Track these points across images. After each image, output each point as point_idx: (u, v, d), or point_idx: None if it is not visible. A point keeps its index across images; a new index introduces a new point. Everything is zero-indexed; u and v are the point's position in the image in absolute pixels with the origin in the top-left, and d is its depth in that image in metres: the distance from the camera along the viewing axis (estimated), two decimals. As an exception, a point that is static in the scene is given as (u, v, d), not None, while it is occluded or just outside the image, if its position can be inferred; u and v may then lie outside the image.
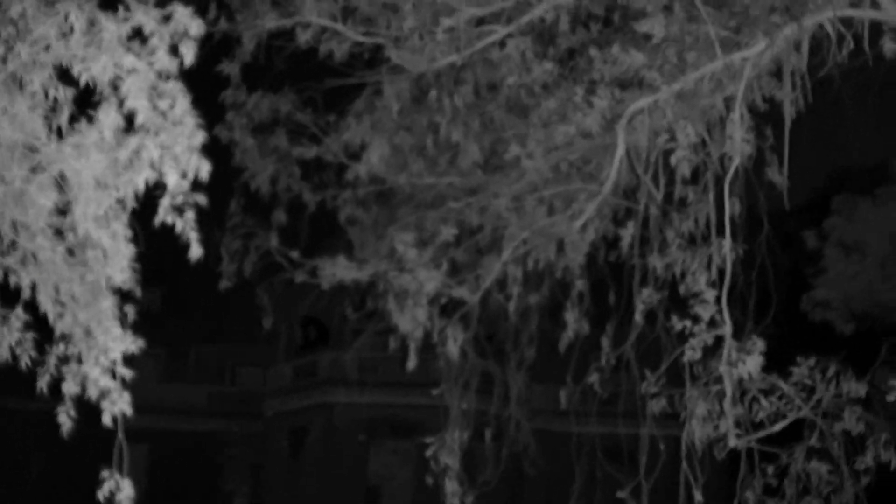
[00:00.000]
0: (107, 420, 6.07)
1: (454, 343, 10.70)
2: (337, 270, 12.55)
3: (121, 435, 6.10)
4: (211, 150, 13.35)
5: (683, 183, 10.64)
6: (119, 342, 5.97)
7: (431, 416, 37.71)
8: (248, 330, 44.60)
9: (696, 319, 10.33)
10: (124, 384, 6.10)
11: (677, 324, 10.29)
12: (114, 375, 6.04)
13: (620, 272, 10.95)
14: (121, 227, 5.89)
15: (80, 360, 6.46)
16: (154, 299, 46.34)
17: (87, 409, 6.56)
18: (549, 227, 10.75)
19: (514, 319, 10.97)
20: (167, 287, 46.80)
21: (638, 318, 10.51)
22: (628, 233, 10.89)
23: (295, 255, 12.92)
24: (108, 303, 6.00)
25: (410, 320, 10.90)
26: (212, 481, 43.83)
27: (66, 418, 6.38)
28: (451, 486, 10.98)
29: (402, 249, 11.07)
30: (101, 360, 5.98)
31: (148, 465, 43.37)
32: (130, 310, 6.06)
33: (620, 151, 10.44)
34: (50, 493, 42.90)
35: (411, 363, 10.99)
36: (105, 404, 6.08)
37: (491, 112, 11.22)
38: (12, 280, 6.36)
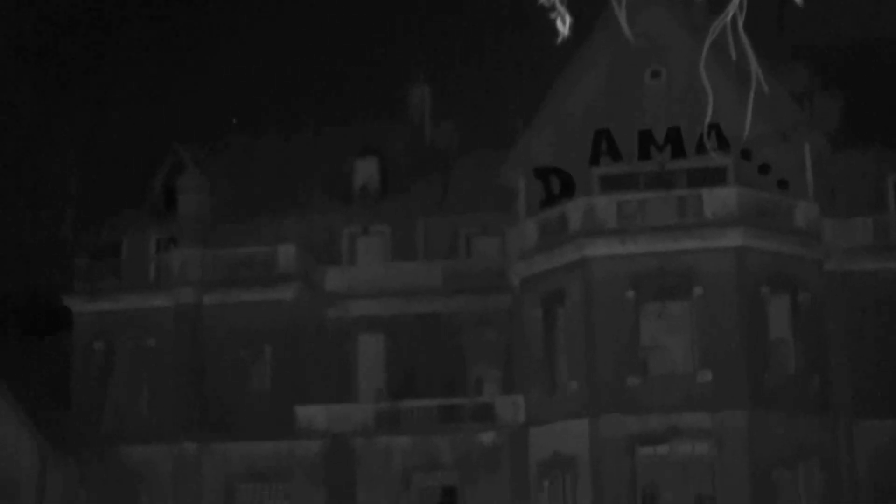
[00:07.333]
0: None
1: None
2: None
3: None
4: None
5: None
6: None
7: (708, 262, 31.21)
8: (479, 196, 39.38)
9: None
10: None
11: None
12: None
13: None
14: None
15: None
16: (371, 173, 41.15)
17: None
18: None
19: None
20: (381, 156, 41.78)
21: None
22: None
23: None
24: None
25: None
26: (457, 369, 38.32)
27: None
28: None
29: None
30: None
31: (385, 355, 38.60)
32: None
33: None
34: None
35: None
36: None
37: None
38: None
